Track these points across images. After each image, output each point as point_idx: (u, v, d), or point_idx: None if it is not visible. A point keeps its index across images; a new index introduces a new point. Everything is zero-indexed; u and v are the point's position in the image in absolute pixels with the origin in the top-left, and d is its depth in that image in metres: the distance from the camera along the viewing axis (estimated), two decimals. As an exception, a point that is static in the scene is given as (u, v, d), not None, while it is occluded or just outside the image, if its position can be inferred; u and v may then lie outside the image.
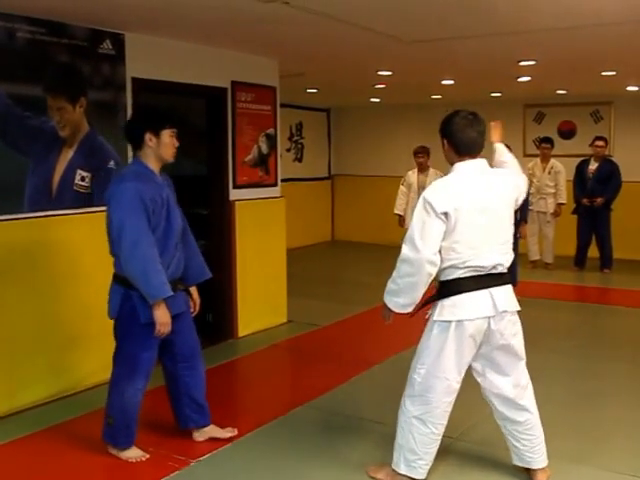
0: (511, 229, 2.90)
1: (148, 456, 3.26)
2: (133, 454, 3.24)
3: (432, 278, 2.83)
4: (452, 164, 2.90)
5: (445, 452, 3.13)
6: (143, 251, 2.99)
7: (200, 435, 3.44)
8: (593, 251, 8.33)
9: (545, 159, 8.42)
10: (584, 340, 5.47)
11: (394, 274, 2.87)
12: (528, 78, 7.01)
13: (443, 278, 2.87)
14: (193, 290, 3.43)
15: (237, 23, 4.25)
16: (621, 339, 5.67)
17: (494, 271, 2.82)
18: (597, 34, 4.64)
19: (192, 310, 3.41)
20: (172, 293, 3.07)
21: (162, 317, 3.05)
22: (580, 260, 8.40)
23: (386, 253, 9.60)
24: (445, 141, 2.89)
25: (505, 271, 2.87)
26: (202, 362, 3.45)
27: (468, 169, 2.86)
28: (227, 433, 3.48)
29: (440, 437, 2.95)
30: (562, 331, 5.80)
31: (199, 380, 3.41)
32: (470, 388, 3.03)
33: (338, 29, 4.38)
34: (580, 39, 4.85)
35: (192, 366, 3.35)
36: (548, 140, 8.49)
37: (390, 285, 2.90)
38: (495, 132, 3.18)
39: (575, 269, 8.37)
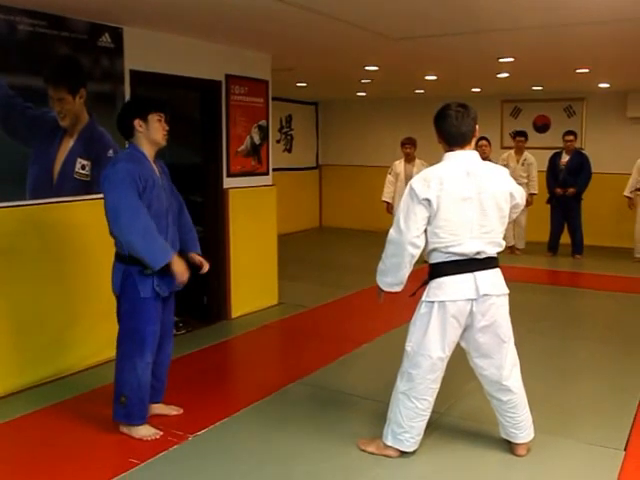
0: (500, 220, 2.84)
1: (162, 433, 3.20)
2: (147, 432, 3.17)
3: (415, 259, 2.84)
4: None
5: (432, 426, 3.13)
6: (141, 223, 2.96)
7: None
8: (565, 238, 8.38)
9: (519, 151, 8.46)
10: (558, 321, 5.51)
11: (382, 255, 2.92)
12: (507, 74, 6.99)
13: (431, 261, 2.89)
14: (195, 255, 3.38)
15: (233, 19, 4.17)
16: (592, 320, 5.73)
17: (478, 257, 2.81)
18: (575, 33, 4.61)
19: (203, 269, 3.39)
20: (173, 253, 3.07)
21: (177, 267, 3.05)
22: (553, 246, 8.46)
23: (371, 238, 9.68)
24: (437, 132, 2.89)
25: (491, 256, 2.85)
26: (172, 342, 3.41)
27: (455, 159, 2.84)
28: (172, 411, 3.45)
29: (426, 412, 2.94)
30: (537, 312, 5.82)
31: (166, 359, 3.36)
32: (455, 364, 3.02)
33: (329, 26, 4.33)
34: (558, 37, 4.81)
35: (162, 345, 3.28)
36: (522, 134, 8.53)
37: (379, 265, 2.94)
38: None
39: (548, 254, 8.43)
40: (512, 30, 4.51)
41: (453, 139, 2.83)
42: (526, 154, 8.41)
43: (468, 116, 2.82)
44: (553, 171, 8.25)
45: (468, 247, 2.78)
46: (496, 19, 4.14)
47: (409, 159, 7.68)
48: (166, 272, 3.08)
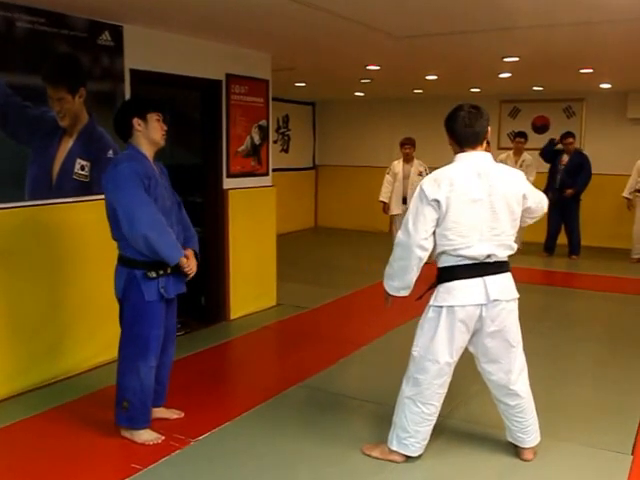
0: (512, 222, 2.79)
1: (163, 438, 3.16)
2: (149, 437, 3.14)
3: (423, 263, 2.79)
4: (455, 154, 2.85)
5: (437, 430, 3.08)
6: (156, 219, 2.93)
7: None
8: (562, 238, 8.37)
9: (518, 152, 8.43)
10: (557, 321, 5.49)
11: (390, 258, 2.87)
12: (509, 74, 6.94)
13: (440, 265, 2.84)
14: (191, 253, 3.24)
15: (233, 17, 4.12)
16: (592, 321, 5.70)
17: (488, 260, 2.76)
18: (583, 32, 4.55)
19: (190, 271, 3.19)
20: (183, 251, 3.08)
21: (186, 264, 3.06)
22: (550, 247, 8.44)
23: (367, 239, 9.68)
24: (448, 134, 2.84)
25: (502, 260, 2.81)
26: (174, 345, 3.36)
27: (466, 160, 2.79)
28: (174, 414, 3.41)
29: (432, 417, 2.91)
30: (536, 313, 5.79)
31: (168, 362, 3.32)
32: (460, 366, 2.98)
33: (332, 24, 4.27)
34: (565, 36, 4.74)
35: (165, 348, 3.23)
36: (522, 135, 8.49)
37: (387, 269, 2.89)
38: None
39: (545, 255, 8.41)
40: (520, 29, 4.40)
41: (464, 140, 2.78)
42: (525, 155, 8.38)
43: (481, 117, 2.78)
44: (553, 170, 8.23)
45: (478, 250, 2.73)
46: (503, 17, 4.03)
47: (408, 159, 7.65)
48: (176, 270, 3.06)
